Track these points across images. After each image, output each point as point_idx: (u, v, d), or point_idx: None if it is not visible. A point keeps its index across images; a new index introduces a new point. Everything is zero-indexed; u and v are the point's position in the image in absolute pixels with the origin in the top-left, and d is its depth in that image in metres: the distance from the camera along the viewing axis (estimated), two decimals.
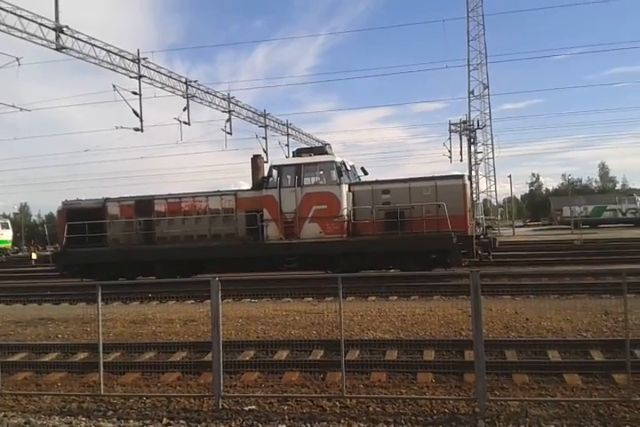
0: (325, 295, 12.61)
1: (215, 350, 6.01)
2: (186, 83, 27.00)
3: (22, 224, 75.38)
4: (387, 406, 5.74)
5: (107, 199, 19.21)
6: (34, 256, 33.87)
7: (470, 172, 43.14)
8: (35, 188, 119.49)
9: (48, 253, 22.86)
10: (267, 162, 23.13)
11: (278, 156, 34.36)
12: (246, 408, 5.88)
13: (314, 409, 5.80)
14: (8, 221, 42.14)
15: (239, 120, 32.33)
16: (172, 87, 25.98)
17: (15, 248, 44.12)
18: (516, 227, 51.70)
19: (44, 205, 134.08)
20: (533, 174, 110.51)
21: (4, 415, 5.96)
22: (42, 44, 19.03)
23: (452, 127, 41.83)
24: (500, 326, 8.87)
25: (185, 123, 26.69)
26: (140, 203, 18.76)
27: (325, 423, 5.30)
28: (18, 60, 18.35)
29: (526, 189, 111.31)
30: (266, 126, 34.78)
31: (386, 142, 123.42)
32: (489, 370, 5.98)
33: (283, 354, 7.96)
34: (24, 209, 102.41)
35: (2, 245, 38.46)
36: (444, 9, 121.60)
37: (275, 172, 17.24)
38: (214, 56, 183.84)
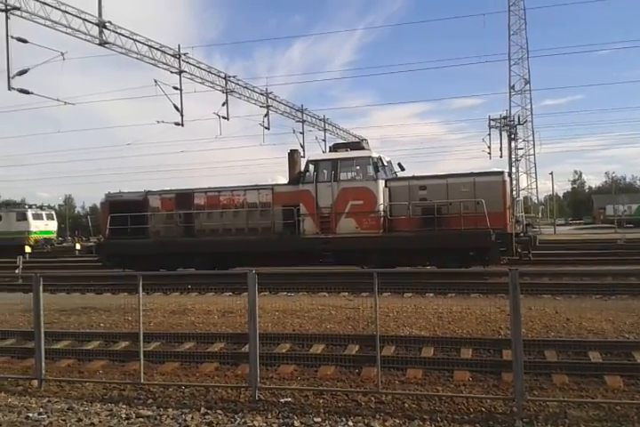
0: (361, 291, 12.61)
1: (252, 341, 6.09)
2: (225, 78, 27.28)
3: (67, 215, 77.68)
4: (422, 403, 5.73)
5: (148, 192, 19.63)
6: (77, 247, 34.82)
7: (510, 168, 42.50)
8: (79, 180, 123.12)
9: (91, 243, 23.47)
10: (303, 157, 23.20)
11: (315, 151, 34.34)
12: (282, 400, 5.95)
13: (349, 403, 5.83)
14: (53, 213, 43.30)
15: (277, 115, 32.57)
16: (211, 82, 26.29)
17: (60, 239, 45.35)
18: (558, 225, 50.56)
19: (88, 196, 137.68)
20: (576, 172, 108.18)
21: (49, 401, 6.17)
22: (85, 40, 19.52)
23: (492, 123, 41.19)
24: (540, 326, 8.72)
25: (224, 117, 27.01)
26: (181, 196, 19.10)
27: (360, 418, 5.32)
28: (62, 54, 18.82)
29: (568, 187, 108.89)
30: (303, 121, 34.87)
31: (423, 138, 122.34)
32: (527, 370, 5.90)
33: (318, 348, 8.02)
34: (69, 201, 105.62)
35: (47, 236, 39.62)
36: (484, 2, 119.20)
37: (311, 166, 17.28)
38: (252, 51, 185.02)
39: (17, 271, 20.46)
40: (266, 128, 30.51)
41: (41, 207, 42.56)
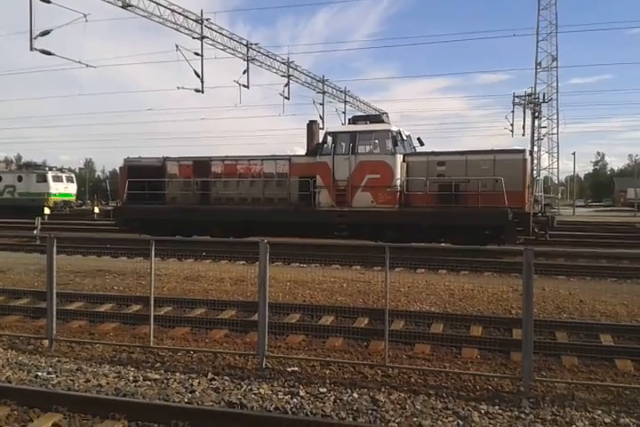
0: (374, 264, 12.58)
1: (261, 310, 6.11)
2: (247, 45, 26.91)
3: (87, 179, 78.43)
4: (429, 379, 5.73)
5: (166, 158, 19.63)
6: (96, 210, 35.22)
7: (532, 147, 41.70)
8: (100, 144, 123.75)
9: (109, 207, 23.69)
10: (322, 128, 22.96)
11: (335, 123, 34.05)
12: (289, 369, 5.99)
13: (355, 376, 5.85)
14: (73, 176, 43.65)
15: (297, 85, 32.17)
16: (232, 49, 25.97)
17: (79, 202, 45.82)
18: (577, 207, 49.94)
19: (109, 161, 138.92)
20: (598, 153, 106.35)
21: (58, 361, 6.27)
22: (109, 1, 19.28)
23: (517, 100, 40.31)
24: (552, 307, 8.64)
25: (244, 86, 26.73)
26: (198, 163, 19.08)
27: (366, 390, 5.33)
28: (85, 16, 18.60)
29: (590, 168, 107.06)
30: (324, 93, 34.43)
31: (445, 114, 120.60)
32: (537, 350, 5.85)
33: (328, 319, 8.05)
34: (89, 164, 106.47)
35: (67, 198, 40.08)
36: None
37: (329, 138, 17.10)
38: (275, 20, 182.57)
39: (35, 232, 20.77)
40: (286, 98, 30.18)
41: (61, 170, 42.92)
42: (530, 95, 40.72)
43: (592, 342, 6.99)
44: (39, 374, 5.73)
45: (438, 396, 5.23)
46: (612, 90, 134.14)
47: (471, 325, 7.61)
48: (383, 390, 5.38)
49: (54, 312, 6.79)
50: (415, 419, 4.64)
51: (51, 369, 5.89)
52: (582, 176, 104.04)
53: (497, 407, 4.93)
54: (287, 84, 30.28)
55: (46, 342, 6.88)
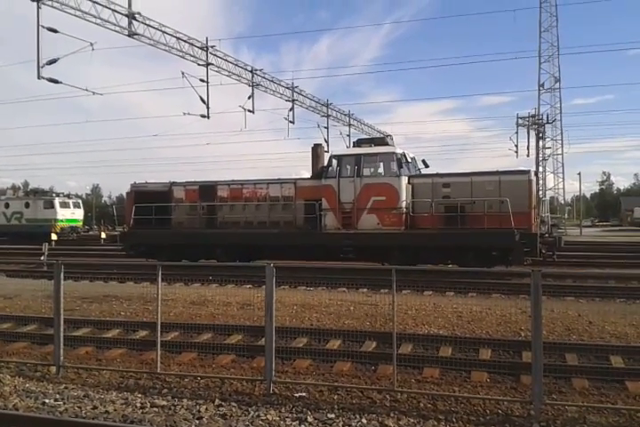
0: (380, 287, 12.54)
1: (268, 335, 6.09)
2: (251, 71, 27.28)
3: (93, 204, 78.86)
4: (438, 403, 5.66)
5: (173, 183, 19.78)
6: (103, 235, 35.34)
7: (537, 167, 41.74)
8: (106, 170, 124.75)
9: (116, 233, 23.82)
10: (327, 151, 23.12)
11: (339, 146, 34.23)
12: (297, 395, 5.94)
13: (363, 400, 5.80)
14: (80, 201, 44.00)
15: (302, 109, 32.48)
16: (237, 75, 26.31)
17: (86, 227, 46.04)
18: (584, 227, 49.68)
19: (115, 186, 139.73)
20: (604, 173, 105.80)
21: (65, 387, 6.25)
22: (115, 30, 19.65)
23: (520, 121, 40.52)
24: (562, 329, 8.56)
25: (249, 111, 27.04)
26: (204, 188, 19.21)
27: (375, 416, 5.28)
28: (92, 44, 18.97)
29: (596, 188, 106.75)
30: (328, 116, 34.74)
31: (448, 135, 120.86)
32: (547, 373, 5.79)
33: (335, 343, 7.99)
34: (96, 190, 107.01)
35: (73, 224, 40.29)
36: None
37: (334, 161, 17.21)
38: (279, 46, 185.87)
39: (42, 258, 20.84)
40: (291, 122, 30.50)
41: (68, 196, 43.31)
42: (533, 116, 40.97)
43: (602, 363, 6.91)
44: (46, 401, 5.72)
45: (448, 421, 5.17)
46: (614, 110, 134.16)
47: (480, 348, 7.54)
48: (392, 415, 5.32)
49: (62, 339, 6.79)
50: None
51: (58, 396, 5.88)
52: (589, 196, 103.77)
53: None
54: (292, 109, 30.62)
55: (54, 369, 6.87)
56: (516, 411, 5.42)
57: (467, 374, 6.66)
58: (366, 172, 16.88)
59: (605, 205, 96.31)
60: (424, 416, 5.29)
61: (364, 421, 5.15)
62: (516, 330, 8.53)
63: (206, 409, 5.46)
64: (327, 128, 34.60)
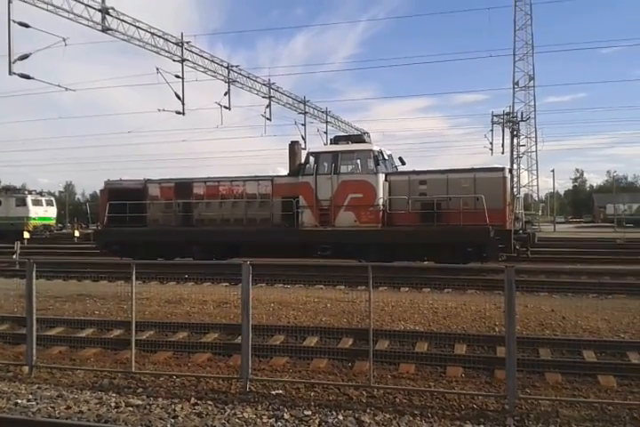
0: (357, 284, 12.57)
1: (244, 333, 6.06)
2: (227, 67, 27.07)
3: (67, 202, 77.52)
4: (414, 399, 5.70)
5: (147, 180, 19.56)
6: (76, 234, 34.78)
7: (512, 165, 42.24)
8: (80, 167, 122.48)
9: (90, 231, 23.46)
10: (305, 149, 23.07)
11: (316, 143, 34.29)
12: (273, 392, 5.92)
13: (340, 397, 5.81)
14: (53, 199, 43.19)
15: (279, 106, 32.34)
16: (213, 71, 26.08)
17: (59, 225, 45.20)
18: (557, 223, 50.49)
19: (89, 184, 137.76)
20: (577, 170, 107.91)
21: (38, 388, 6.14)
22: (88, 26, 19.31)
23: (495, 119, 40.98)
24: (535, 324, 8.68)
25: (225, 107, 26.82)
26: (180, 185, 19.04)
27: (351, 412, 5.29)
28: (64, 40, 18.61)
29: (569, 185, 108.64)
30: (305, 113, 34.67)
31: (424, 133, 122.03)
32: (521, 367, 5.88)
33: (312, 340, 7.99)
34: (69, 187, 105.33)
35: (46, 222, 39.57)
36: None
37: (312, 159, 17.21)
38: (255, 42, 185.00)
39: (14, 257, 20.42)
40: (267, 119, 30.33)
41: (41, 193, 42.49)
42: (508, 114, 41.46)
43: (575, 358, 7.03)
44: (19, 401, 5.61)
45: (423, 416, 5.21)
46: (586, 108, 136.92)
47: (455, 343, 7.62)
48: (368, 411, 5.34)
49: (34, 338, 6.67)
50: None
51: (31, 396, 5.78)
52: (562, 193, 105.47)
53: None
54: (268, 106, 30.46)
55: (26, 369, 6.73)
56: (491, 405, 5.49)
57: (442, 370, 6.72)
58: (343, 169, 16.91)
59: (578, 201, 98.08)
60: (400, 412, 5.32)
61: (340, 417, 5.16)
62: (491, 325, 8.62)
63: (182, 408, 5.42)
64: (304, 125, 34.53)
